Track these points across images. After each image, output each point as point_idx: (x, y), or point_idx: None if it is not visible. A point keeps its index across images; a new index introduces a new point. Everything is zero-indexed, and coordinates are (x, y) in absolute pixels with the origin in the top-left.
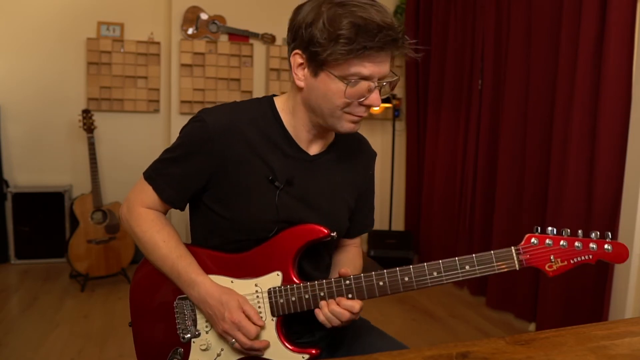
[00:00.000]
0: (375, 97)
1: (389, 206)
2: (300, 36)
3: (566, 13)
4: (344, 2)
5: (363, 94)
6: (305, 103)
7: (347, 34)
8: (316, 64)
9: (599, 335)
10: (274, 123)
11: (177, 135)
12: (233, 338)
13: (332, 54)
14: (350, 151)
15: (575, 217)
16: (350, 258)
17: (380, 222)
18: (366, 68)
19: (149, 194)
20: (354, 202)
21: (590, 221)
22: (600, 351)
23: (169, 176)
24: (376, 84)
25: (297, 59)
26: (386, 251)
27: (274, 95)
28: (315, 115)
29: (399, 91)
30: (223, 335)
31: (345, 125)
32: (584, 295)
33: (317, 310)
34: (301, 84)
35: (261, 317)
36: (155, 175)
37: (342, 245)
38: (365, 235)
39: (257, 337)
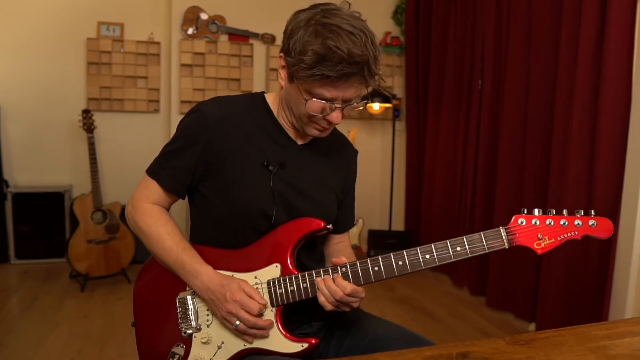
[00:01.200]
0: (335, 115)
1: (389, 206)
2: (284, 42)
3: (566, 13)
4: (325, 24)
5: (325, 110)
6: (284, 100)
7: (308, 61)
8: (290, 72)
9: (599, 335)
10: (265, 114)
11: (163, 147)
12: (236, 318)
13: (296, 72)
14: (333, 145)
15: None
16: (347, 255)
17: (380, 222)
18: (329, 92)
19: (152, 189)
20: (340, 192)
21: None
22: (600, 351)
23: (170, 168)
24: (339, 105)
25: (281, 60)
26: (386, 251)
27: (264, 92)
28: (289, 113)
29: (399, 91)
30: (226, 318)
31: (312, 131)
32: (584, 295)
33: (319, 292)
34: (282, 82)
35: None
36: (157, 169)
37: (333, 242)
38: (365, 235)
39: (260, 316)
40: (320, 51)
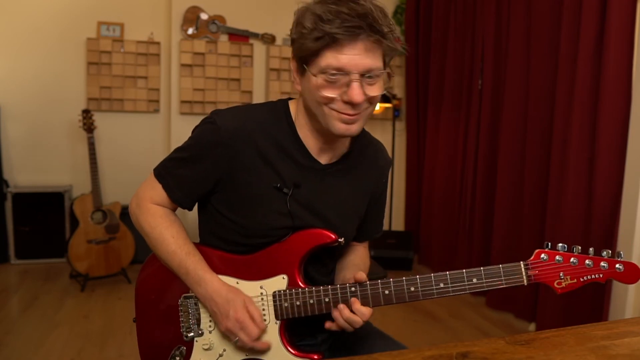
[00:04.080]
0: (353, 92)
1: (389, 206)
2: (290, 41)
3: (566, 13)
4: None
5: (341, 88)
6: (305, 106)
7: (310, 25)
8: (300, 64)
9: (599, 335)
10: (286, 129)
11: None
12: (236, 337)
13: (301, 47)
14: (364, 161)
15: (576, 217)
16: (359, 256)
17: None
18: (337, 60)
19: (158, 191)
20: (364, 211)
21: (590, 220)
22: (600, 351)
23: (178, 177)
24: (356, 79)
25: (292, 63)
26: (386, 251)
27: (290, 99)
28: (313, 118)
29: (399, 91)
30: (226, 334)
31: (337, 125)
32: (584, 295)
33: (334, 316)
34: (298, 87)
35: (264, 320)
36: (165, 173)
37: (350, 244)
38: None
39: (259, 338)
40: (318, 11)
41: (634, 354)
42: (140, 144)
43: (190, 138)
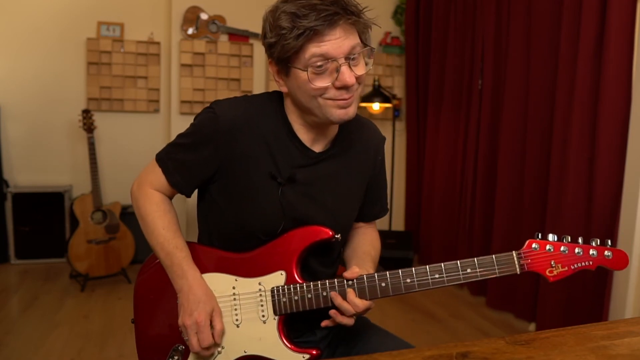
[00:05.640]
0: (345, 75)
1: (389, 206)
2: (264, 46)
3: (566, 13)
4: None
5: (331, 75)
6: (294, 105)
7: (286, 24)
8: (282, 64)
9: (599, 335)
10: (281, 121)
11: (177, 135)
12: (187, 336)
13: (283, 49)
14: (355, 142)
15: (576, 217)
16: (369, 241)
17: (380, 222)
18: (319, 48)
19: (158, 175)
20: (364, 192)
21: (590, 220)
22: (600, 351)
23: (178, 161)
24: (343, 62)
25: (272, 66)
26: (386, 251)
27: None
28: (306, 113)
29: (399, 91)
30: (180, 328)
31: (335, 113)
32: (584, 295)
33: (324, 322)
34: (284, 88)
35: (263, 317)
36: (166, 157)
37: (358, 227)
38: None
39: (208, 349)
40: (292, 9)
41: (634, 354)
42: (140, 144)
43: (191, 125)
